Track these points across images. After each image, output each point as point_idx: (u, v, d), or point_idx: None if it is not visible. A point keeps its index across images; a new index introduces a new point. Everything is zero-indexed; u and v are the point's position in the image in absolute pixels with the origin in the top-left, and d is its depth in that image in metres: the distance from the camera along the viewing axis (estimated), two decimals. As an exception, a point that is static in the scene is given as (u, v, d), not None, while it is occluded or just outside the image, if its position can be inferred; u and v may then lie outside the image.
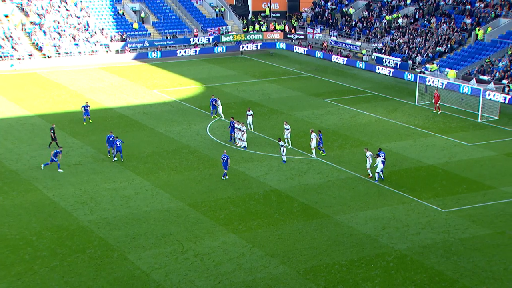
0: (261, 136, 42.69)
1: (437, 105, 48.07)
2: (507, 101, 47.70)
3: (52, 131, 40.13)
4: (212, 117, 46.74)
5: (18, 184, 34.56)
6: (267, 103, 51.37)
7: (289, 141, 40.44)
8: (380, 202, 32.41)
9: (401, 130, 44.32)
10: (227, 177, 35.12)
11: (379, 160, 34.97)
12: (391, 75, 61.24)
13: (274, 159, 38.44)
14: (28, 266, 26.20)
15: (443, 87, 51.71)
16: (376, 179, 35.08)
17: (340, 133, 43.56)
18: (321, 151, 39.04)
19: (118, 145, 37.23)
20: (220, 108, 46.63)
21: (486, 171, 36.69)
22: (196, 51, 70.75)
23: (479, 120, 46.52)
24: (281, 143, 37.72)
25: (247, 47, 72.66)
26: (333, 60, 67.50)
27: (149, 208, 31.82)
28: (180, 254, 27.23)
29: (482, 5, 64.39)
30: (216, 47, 71.88)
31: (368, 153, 35.79)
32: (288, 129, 40.41)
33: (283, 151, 37.58)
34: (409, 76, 59.21)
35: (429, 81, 52.67)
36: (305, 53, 71.49)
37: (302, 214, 31.10)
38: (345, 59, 66.80)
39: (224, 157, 35.05)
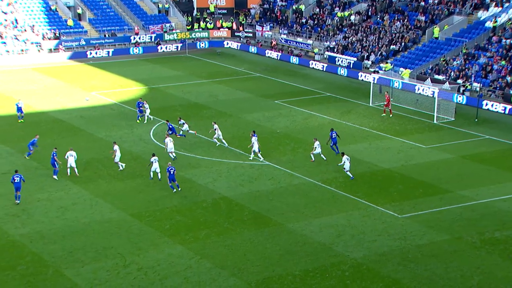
0: (209, 141, 42.60)
1: (389, 108, 49.05)
2: (435, 95, 50.42)
3: None
4: (137, 121, 46.24)
5: None
6: (215, 105, 51.35)
7: (216, 141, 41.26)
8: (334, 209, 32.85)
9: (355, 133, 45.08)
10: (179, 189, 34.55)
11: (345, 158, 36.12)
12: (324, 70, 63.81)
13: (223, 164, 38.44)
14: (-47, 286, 25.33)
15: (375, 81, 53.46)
16: (352, 176, 36.34)
17: (293, 136, 43.95)
18: (253, 155, 39.38)
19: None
20: (147, 112, 46.32)
21: (442, 174, 37.72)
22: (108, 52, 68.79)
23: (435, 121, 47.82)
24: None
25: (166, 48, 71.72)
26: (266, 55, 69.66)
27: (88, 219, 31.26)
28: (122, 268, 26.85)
29: (436, 2, 66.30)
30: (132, 48, 70.44)
31: (316, 143, 38.17)
32: (215, 129, 41.23)
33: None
34: (342, 71, 62.03)
35: (360, 76, 53.81)
36: (238, 48, 73.10)
37: (253, 223, 31.19)
38: (279, 54, 68.74)
39: (171, 169, 34.40)
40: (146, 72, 62.63)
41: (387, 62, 61.51)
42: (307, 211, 32.55)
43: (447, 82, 53.80)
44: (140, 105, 46.40)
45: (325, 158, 38.50)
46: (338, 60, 64.42)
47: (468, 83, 54.47)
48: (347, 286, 25.81)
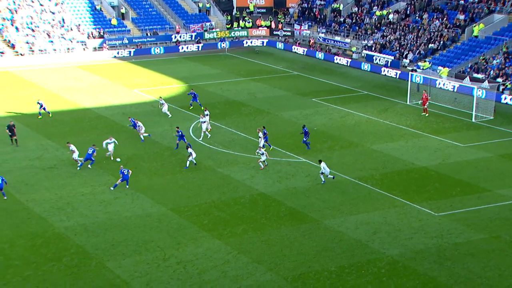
0: (247, 138, 42.68)
1: (425, 107, 48.30)
2: (455, 90, 51.53)
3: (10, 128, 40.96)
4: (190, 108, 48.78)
5: (-10, 189, 34.22)
6: (253, 103, 51.41)
7: (207, 133, 42.07)
8: (371, 206, 32.57)
9: (392, 131, 44.58)
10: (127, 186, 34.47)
11: (323, 165, 34.80)
12: (348, 64, 64.70)
13: (260, 161, 38.48)
14: (0, 275, 25.96)
15: (397, 77, 52.64)
16: (324, 180, 34.97)
17: (329, 134, 43.71)
18: (270, 147, 39.90)
19: (89, 152, 36.99)
20: (165, 107, 47.37)
21: (480, 173, 37.02)
22: (130, 52, 68.63)
23: (473, 120, 46.94)
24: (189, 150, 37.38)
25: (187, 47, 71.46)
26: (293, 50, 70.94)
27: (129, 213, 31.68)
28: (162, 261, 27.14)
29: (476, 0, 65.01)
30: (154, 48, 70.16)
31: (261, 134, 38.37)
32: (204, 122, 42.04)
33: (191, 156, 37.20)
34: (366, 67, 62.59)
35: (383, 71, 53.13)
36: (264, 45, 74.42)
37: (290, 219, 31.15)
38: (305, 49, 69.81)
39: (125, 170, 34.31)
40: (186, 70, 63.09)
41: (425, 61, 60.61)
42: (343, 208, 32.36)
43: (486, 81, 52.74)
44: (192, 94, 49.42)
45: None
46: (376, 59, 63.82)
47: (508, 82, 53.26)
48: (383, 283, 25.58)
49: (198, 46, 72.09)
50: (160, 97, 49.11)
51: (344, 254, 27.73)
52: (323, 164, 35.04)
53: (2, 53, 64.85)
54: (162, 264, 26.88)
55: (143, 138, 41.87)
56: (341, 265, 26.80)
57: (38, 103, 47.06)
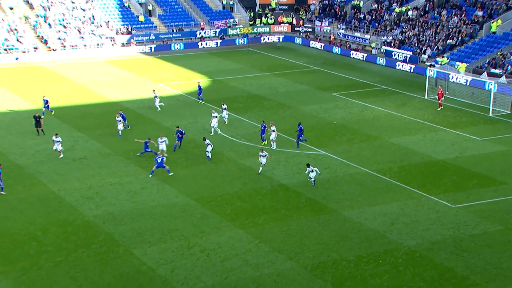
0: (269, 130, 42.59)
1: (440, 101, 47.82)
2: (467, 83, 50.68)
3: (38, 118, 41.21)
4: (201, 102, 48.77)
5: (23, 178, 34.76)
6: (275, 97, 51.36)
7: (217, 129, 41.71)
8: (389, 198, 32.40)
9: (410, 125, 44.23)
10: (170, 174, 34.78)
11: (309, 169, 33.55)
12: (364, 59, 64.76)
13: (281, 153, 38.46)
14: (33, 261, 26.40)
15: (411, 71, 51.75)
16: (313, 183, 33.74)
17: (349, 128, 43.53)
18: (263, 141, 39.84)
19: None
20: (157, 101, 47.18)
21: (497, 166, 36.58)
22: (151, 48, 68.12)
23: (490, 114, 46.34)
24: (207, 141, 37.30)
25: (206, 43, 71.21)
26: (310, 45, 70.80)
27: (155, 203, 31.94)
28: (186, 249, 27.33)
29: (494, -3, 64.07)
30: (174, 44, 69.92)
31: (274, 127, 38.53)
32: (216, 117, 41.70)
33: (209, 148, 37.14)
34: (381, 61, 62.80)
35: (398, 65, 52.54)
36: (280, 40, 74.15)
37: (309, 210, 31.14)
38: (322, 44, 69.81)
39: (158, 158, 34.78)
40: (210, 65, 63.19)
41: (443, 56, 59.92)
42: (361, 199, 32.24)
43: (504, 76, 52.01)
44: (199, 87, 49.42)
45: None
46: (395, 54, 63.28)
47: (525, 77, 52.47)
48: (400, 273, 25.47)
49: (217, 42, 72.04)
50: (154, 90, 48.73)
51: (362, 244, 27.65)
52: (309, 169, 33.45)
53: (35, 48, 65.61)
54: (186, 252, 27.07)
55: (120, 133, 41.30)
56: (359, 255, 26.74)
57: (44, 100, 45.63)
